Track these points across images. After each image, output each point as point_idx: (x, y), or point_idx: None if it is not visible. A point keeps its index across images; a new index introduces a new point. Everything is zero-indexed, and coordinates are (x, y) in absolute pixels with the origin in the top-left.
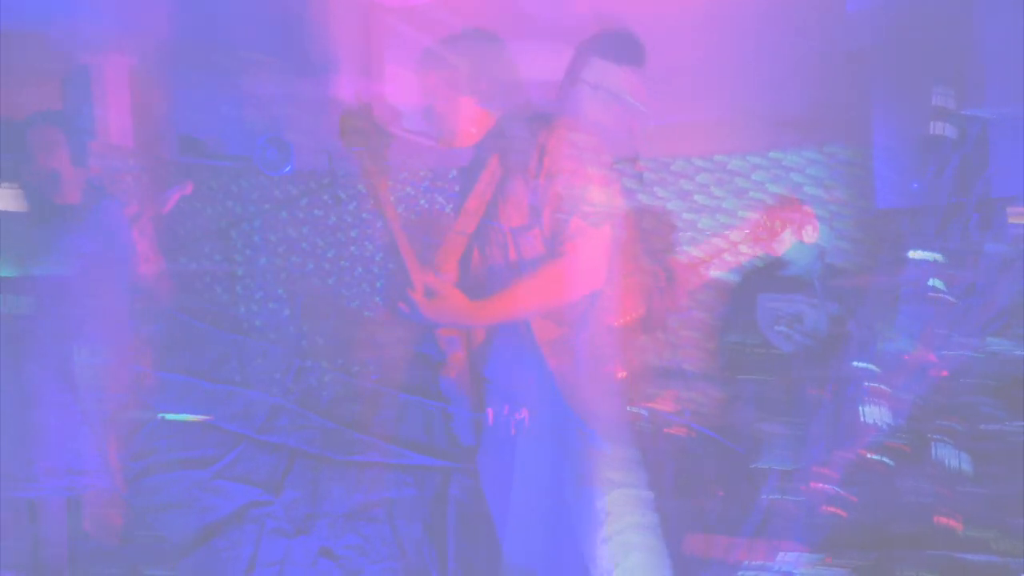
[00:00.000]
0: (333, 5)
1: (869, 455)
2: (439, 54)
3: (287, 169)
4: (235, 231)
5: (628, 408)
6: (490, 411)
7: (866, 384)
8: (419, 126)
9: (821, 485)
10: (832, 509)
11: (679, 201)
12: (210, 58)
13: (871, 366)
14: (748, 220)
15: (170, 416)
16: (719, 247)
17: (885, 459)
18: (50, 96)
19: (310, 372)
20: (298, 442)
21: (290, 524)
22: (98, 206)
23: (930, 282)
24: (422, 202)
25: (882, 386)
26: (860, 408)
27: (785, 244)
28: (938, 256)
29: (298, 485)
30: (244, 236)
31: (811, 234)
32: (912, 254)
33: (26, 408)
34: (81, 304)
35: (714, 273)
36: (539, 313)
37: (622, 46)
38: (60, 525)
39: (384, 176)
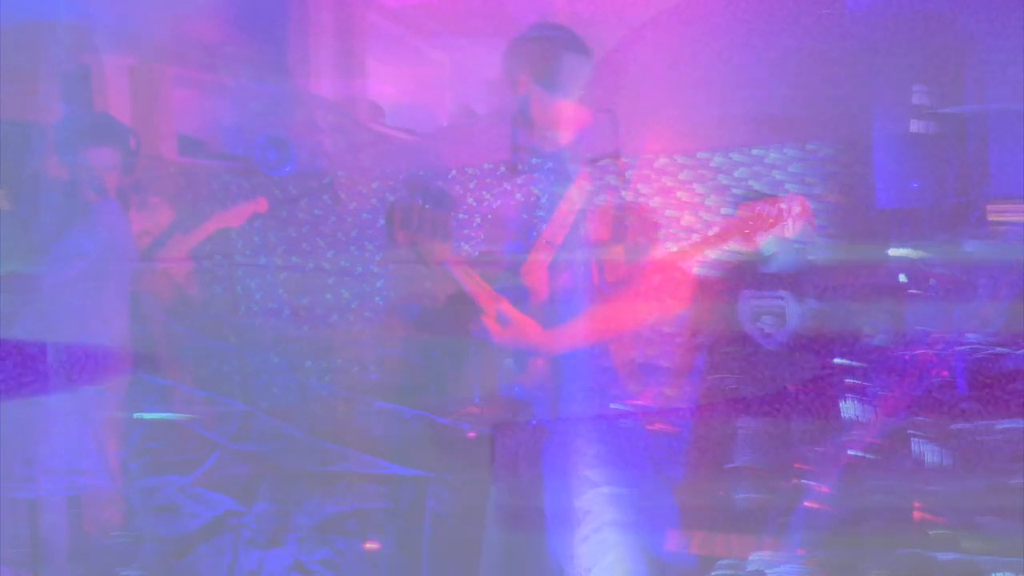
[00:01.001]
0: (315, 3)
1: (848, 452)
2: (529, 51)
3: (287, 169)
4: (235, 231)
5: (610, 405)
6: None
7: (846, 381)
8: (403, 122)
9: (800, 481)
10: (811, 505)
11: (661, 198)
12: (208, 57)
13: (852, 363)
14: (733, 216)
15: (147, 416)
16: (701, 244)
17: (863, 456)
18: (50, 96)
19: (282, 379)
20: (270, 451)
21: (263, 536)
22: (98, 206)
23: (912, 280)
24: (451, 250)
25: (862, 383)
26: (840, 405)
27: (768, 240)
28: (921, 254)
29: (270, 497)
30: (244, 236)
31: (797, 229)
32: (895, 252)
33: (26, 408)
34: (81, 303)
35: (697, 270)
36: (613, 339)
37: (577, 44)
38: (60, 525)
39: (448, 244)
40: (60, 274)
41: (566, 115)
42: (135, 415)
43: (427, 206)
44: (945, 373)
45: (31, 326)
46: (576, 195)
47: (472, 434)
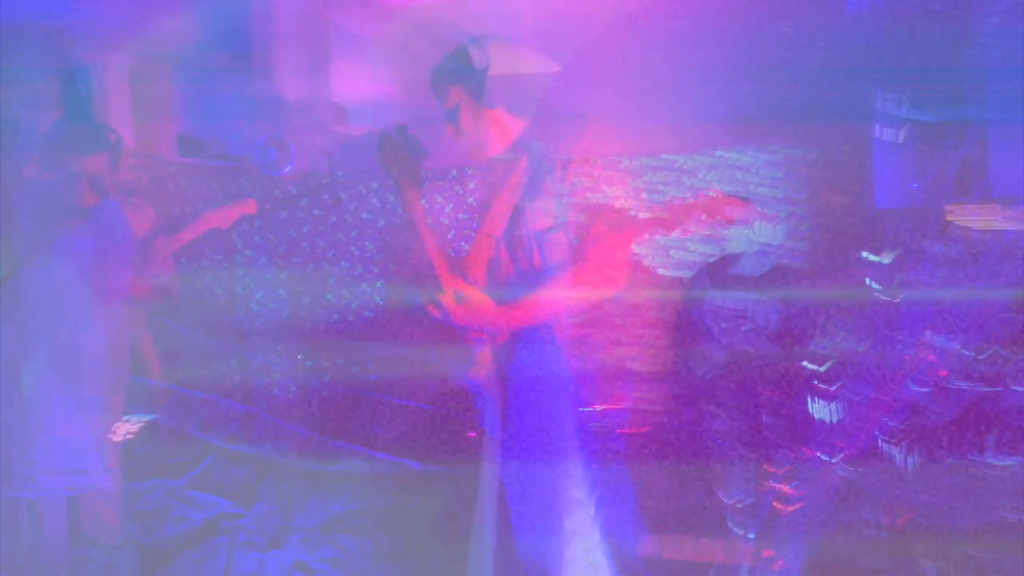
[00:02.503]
0: (281, 5)
1: (819, 455)
2: (460, 66)
3: (287, 169)
4: (235, 231)
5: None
6: (513, 408)
7: (817, 384)
8: (368, 123)
9: (772, 485)
10: (783, 508)
11: (628, 200)
12: (207, 58)
13: (821, 366)
14: (686, 213)
15: (140, 418)
16: (666, 244)
17: (834, 459)
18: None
19: (287, 379)
20: (272, 451)
21: (262, 538)
22: (98, 206)
23: (879, 283)
24: (422, 202)
25: (833, 386)
26: (810, 408)
27: (732, 241)
28: (892, 256)
29: (271, 498)
30: (244, 236)
31: (755, 229)
32: (867, 255)
33: (26, 408)
34: (81, 303)
35: (662, 271)
36: (563, 316)
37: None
38: (60, 525)
39: (419, 191)
40: (60, 274)
41: (498, 124)
42: (126, 417)
43: (402, 150)
44: (944, 373)
45: (33, 326)
46: (513, 187)
47: (472, 434)
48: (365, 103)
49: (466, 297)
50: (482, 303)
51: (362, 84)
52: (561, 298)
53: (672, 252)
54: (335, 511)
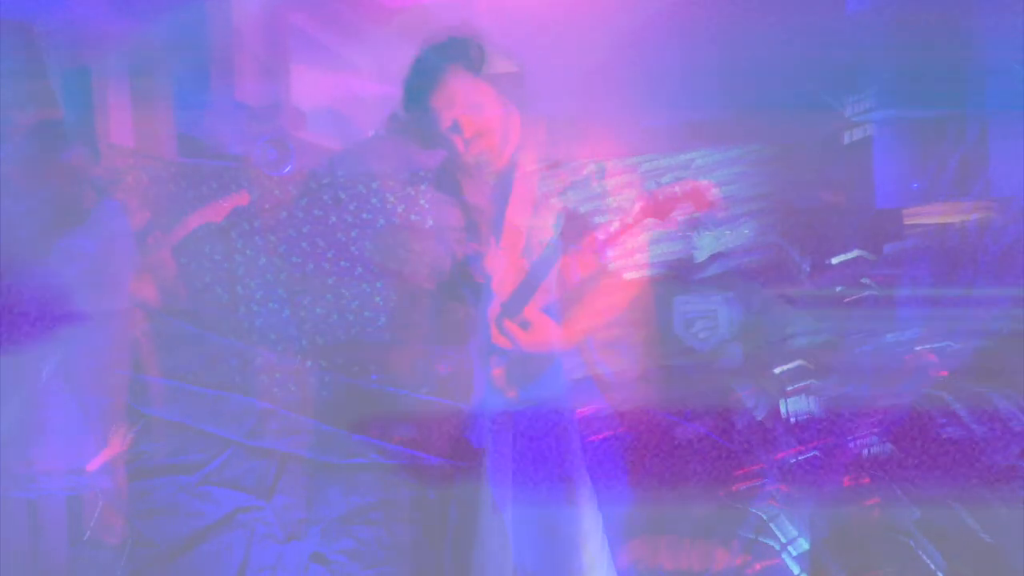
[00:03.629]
0: (240, 8)
1: (795, 456)
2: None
3: (287, 169)
4: (235, 231)
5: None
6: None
7: (789, 386)
8: (327, 130)
9: (750, 483)
10: (765, 504)
11: (591, 204)
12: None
13: (798, 364)
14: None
15: (151, 414)
16: (631, 248)
17: (810, 458)
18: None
19: (303, 375)
20: (290, 447)
21: (281, 530)
22: (98, 206)
23: (862, 280)
24: (422, 202)
25: (807, 385)
26: (784, 409)
27: (709, 242)
28: (866, 255)
29: (290, 490)
30: (244, 236)
31: (713, 217)
32: (839, 258)
33: (26, 408)
34: (81, 303)
35: (628, 275)
36: (616, 319)
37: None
38: (60, 525)
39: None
40: (61, 274)
41: (515, 126)
42: (136, 413)
43: None
44: (945, 373)
45: (34, 326)
46: (525, 195)
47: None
48: (326, 108)
49: (531, 322)
50: (546, 326)
51: (323, 89)
52: (610, 305)
53: (638, 255)
54: (354, 502)
